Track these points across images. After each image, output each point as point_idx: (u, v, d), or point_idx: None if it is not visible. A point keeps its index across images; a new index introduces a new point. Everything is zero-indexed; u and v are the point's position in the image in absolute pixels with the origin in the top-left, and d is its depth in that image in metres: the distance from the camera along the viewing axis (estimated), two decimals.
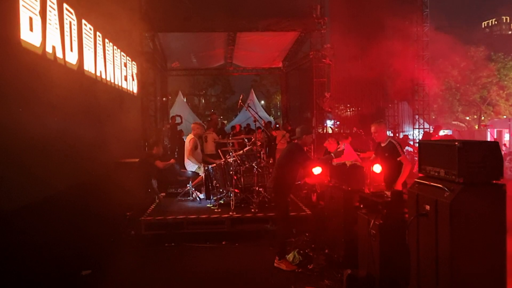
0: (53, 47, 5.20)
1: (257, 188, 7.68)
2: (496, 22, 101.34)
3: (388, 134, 6.66)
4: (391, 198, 4.57)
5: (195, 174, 8.58)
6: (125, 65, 9.72)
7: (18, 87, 4.37)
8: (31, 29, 4.57)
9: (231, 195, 7.57)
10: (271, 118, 29.49)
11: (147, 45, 12.60)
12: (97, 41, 7.25)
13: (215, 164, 8.13)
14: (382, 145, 6.30)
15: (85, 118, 6.32)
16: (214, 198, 7.91)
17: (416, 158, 5.79)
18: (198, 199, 8.44)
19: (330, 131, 15.14)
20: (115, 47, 8.56)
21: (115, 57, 8.57)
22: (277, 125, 15.64)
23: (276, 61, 18.30)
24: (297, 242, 6.39)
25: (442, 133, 13.26)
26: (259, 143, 8.40)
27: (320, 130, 13.98)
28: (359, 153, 7.88)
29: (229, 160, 7.93)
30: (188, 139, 8.67)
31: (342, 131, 15.06)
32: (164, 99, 17.38)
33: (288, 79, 18.85)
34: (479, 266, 3.40)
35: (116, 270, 5.63)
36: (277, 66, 18.97)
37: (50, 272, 4.63)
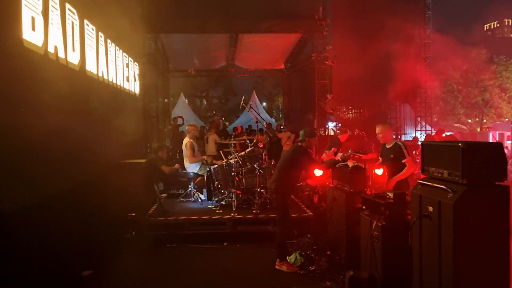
0: (55, 47, 5.19)
1: (258, 189, 7.66)
2: (498, 25, 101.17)
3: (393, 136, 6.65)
4: (393, 200, 4.55)
5: (197, 175, 8.56)
6: (127, 66, 9.72)
7: (19, 87, 4.36)
8: (33, 29, 4.57)
9: (233, 196, 7.55)
10: (273, 120, 29.46)
11: (149, 46, 12.58)
12: (99, 42, 7.25)
13: (216, 165, 8.11)
14: (387, 146, 6.30)
15: (86, 119, 6.31)
16: (216, 199, 7.90)
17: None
18: (199, 200, 8.43)
19: (332, 133, 15.11)
20: (117, 48, 8.56)
21: (117, 58, 8.57)
22: (282, 127, 15.61)
23: (278, 62, 18.28)
24: (298, 243, 6.35)
25: (444, 135, 13.21)
26: (261, 145, 8.38)
27: (322, 133, 13.96)
28: (361, 155, 7.85)
29: (230, 161, 7.92)
30: (185, 143, 8.59)
31: (340, 124, 15.01)
32: (165, 100, 17.37)
33: (290, 81, 18.82)
34: (482, 268, 3.39)
35: (117, 270, 5.62)
36: (279, 67, 18.95)
37: (50, 273, 4.61)
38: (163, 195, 8.87)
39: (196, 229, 7.00)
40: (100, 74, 7.26)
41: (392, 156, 6.09)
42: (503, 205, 3.42)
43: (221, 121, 23.32)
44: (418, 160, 8.29)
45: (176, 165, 8.37)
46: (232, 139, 8.85)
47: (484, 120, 32.21)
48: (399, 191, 4.80)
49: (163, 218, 7.05)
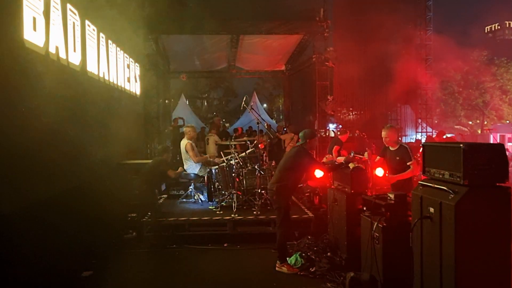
0: (57, 48, 5.20)
1: (259, 191, 7.66)
2: (499, 27, 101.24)
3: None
4: (394, 201, 4.54)
5: (197, 176, 8.55)
6: (128, 67, 9.72)
7: (20, 87, 4.36)
8: (35, 29, 4.57)
9: (233, 197, 7.55)
10: (273, 121, 29.43)
11: (150, 47, 12.59)
12: (100, 42, 7.25)
13: (217, 166, 8.11)
14: (392, 149, 6.33)
15: (87, 119, 6.32)
16: (216, 200, 7.89)
17: None
18: (200, 201, 8.42)
19: (332, 134, 15.10)
20: (118, 49, 8.57)
21: (118, 59, 8.57)
22: (285, 129, 15.61)
23: (279, 64, 18.26)
24: (299, 245, 6.34)
25: (445, 137, 13.21)
26: (261, 146, 8.38)
27: (322, 134, 13.95)
28: (361, 156, 7.85)
29: (231, 162, 7.91)
30: (183, 145, 8.50)
31: (341, 126, 15.00)
32: (166, 101, 17.37)
33: (291, 82, 18.80)
34: (483, 269, 3.37)
35: (118, 271, 5.62)
36: (280, 69, 18.93)
37: (51, 273, 4.60)
38: (164, 196, 8.84)
39: (196, 230, 7.00)
40: (101, 75, 7.27)
41: (398, 158, 6.17)
42: (505, 207, 3.41)
43: (221, 122, 23.30)
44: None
45: (180, 169, 8.31)
46: (232, 140, 8.83)
47: (485, 122, 32.20)
48: (400, 192, 4.79)
49: (163, 219, 7.03)
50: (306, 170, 5.99)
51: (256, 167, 7.80)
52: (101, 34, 7.27)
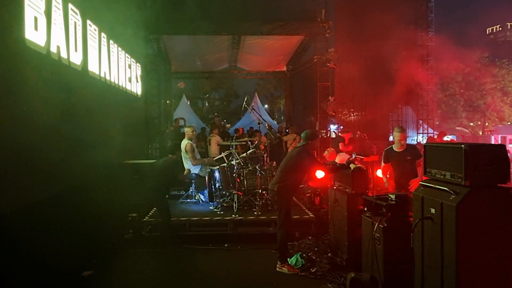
0: (58, 47, 5.20)
1: (260, 191, 7.66)
2: (500, 29, 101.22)
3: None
4: (395, 201, 4.54)
5: (198, 176, 8.54)
6: (129, 67, 9.73)
7: (22, 86, 4.36)
8: (36, 29, 4.58)
9: (234, 197, 7.54)
10: (274, 122, 29.43)
11: (151, 48, 12.61)
12: (102, 42, 7.26)
13: (218, 166, 8.11)
14: (399, 150, 6.34)
15: (88, 119, 6.32)
16: (217, 200, 7.89)
17: None
18: (200, 201, 8.42)
19: (333, 135, 15.09)
20: (119, 49, 8.58)
21: (119, 59, 8.58)
22: (287, 130, 15.62)
23: (280, 64, 18.28)
24: (300, 245, 6.35)
25: (446, 138, 13.18)
26: (262, 147, 8.38)
27: (323, 135, 13.95)
28: (362, 157, 7.85)
29: (232, 162, 7.91)
30: (184, 145, 8.45)
31: (342, 127, 14.98)
32: (167, 101, 17.38)
33: (292, 83, 18.82)
34: (485, 270, 3.37)
35: (118, 271, 5.62)
36: (281, 69, 18.96)
37: (51, 272, 4.60)
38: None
39: (197, 230, 7.00)
40: (102, 75, 7.28)
41: (409, 158, 6.21)
42: (506, 207, 3.40)
43: (222, 123, 23.30)
44: None
45: (187, 170, 8.27)
46: (233, 140, 8.83)
47: (486, 124, 32.16)
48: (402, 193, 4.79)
49: (174, 219, 7.01)
50: (308, 170, 5.98)
51: (257, 167, 7.80)
52: (103, 34, 7.28)
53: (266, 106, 41.33)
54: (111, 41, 7.84)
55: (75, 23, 5.83)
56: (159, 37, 13.02)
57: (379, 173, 7.68)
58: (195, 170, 8.54)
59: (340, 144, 9.19)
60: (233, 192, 7.64)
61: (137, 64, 10.71)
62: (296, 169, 5.74)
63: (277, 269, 5.58)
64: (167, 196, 7.38)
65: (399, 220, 4.46)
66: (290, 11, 12.63)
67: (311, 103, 14.99)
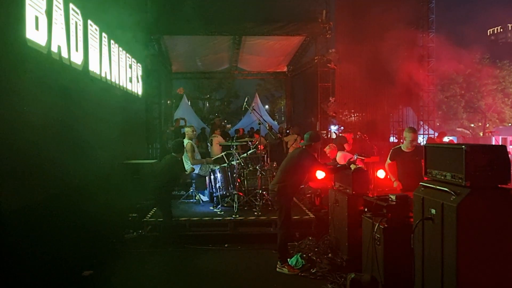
0: (59, 47, 5.21)
1: (260, 191, 7.66)
2: (501, 30, 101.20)
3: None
4: (396, 202, 4.54)
5: (199, 176, 8.55)
6: (130, 67, 9.74)
7: (22, 86, 4.37)
8: (37, 28, 4.58)
9: (235, 197, 7.54)
10: (275, 123, 29.42)
11: (152, 48, 12.62)
12: (103, 42, 7.27)
13: (218, 166, 8.11)
14: (408, 150, 6.33)
15: (88, 118, 6.32)
16: (217, 200, 7.88)
17: None
18: (201, 201, 8.42)
19: (334, 136, 15.08)
20: (120, 49, 8.59)
21: (120, 59, 8.59)
22: (287, 131, 15.62)
23: (281, 65, 18.29)
24: (300, 246, 6.34)
25: (446, 139, 13.17)
26: (261, 147, 8.37)
27: (324, 135, 13.94)
28: (363, 158, 7.84)
29: (232, 162, 7.91)
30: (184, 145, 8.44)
31: (343, 128, 14.98)
32: (168, 102, 17.38)
33: (293, 84, 18.83)
34: (485, 271, 3.36)
35: (118, 271, 5.62)
36: (282, 70, 18.97)
37: (51, 272, 4.60)
38: None
39: (197, 230, 6.99)
40: (103, 75, 7.28)
41: (417, 158, 6.14)
42: (507, 208, 3.40)
43: (223, 123, 23.26)
44: None
45: (191, 168, 8.24)
46: (233, 141, 8.83)
47: (487, 125, 32.13)
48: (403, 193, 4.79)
49: (177, 219, 7.01)
50: (308, 171, 5.97)
51: (257, 168, 7.80)
52: (104, 34, 7.29)
53: (266, 106, 41.32)
54: (112, 41, 7.84)
55: (76, 23, 5.84)
56: (160, 38, 13.03)
57: (379, 173, 7.68)
58: (195, 169, 8.55)
59: (345, 145, 9.19)
60: (234, 193, 7.64)
61: (138, 64, 10.72)
62: (296, 169, 5.74)
63: (277, 269, 5.57)
64: (170, 195, 7.24)
65: (399, 221, 4.46)
66: (291, 12, 12.63)
67: (311, 104, 14.99)
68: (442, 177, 3.70)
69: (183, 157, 8.26)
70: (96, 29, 6.82)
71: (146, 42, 11.59)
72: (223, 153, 8.84)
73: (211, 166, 8.44)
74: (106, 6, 7.14)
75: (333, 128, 16.44)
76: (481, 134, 31.48)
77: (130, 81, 9.69)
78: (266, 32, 12.72)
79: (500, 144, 18.97)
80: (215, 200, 7.99)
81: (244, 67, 18.79)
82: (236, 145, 8.55)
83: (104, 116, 7.10)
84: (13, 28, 4.16)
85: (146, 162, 8.82)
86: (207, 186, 8.44)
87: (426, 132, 16.12)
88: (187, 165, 8.41)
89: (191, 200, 8.52)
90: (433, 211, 3.60)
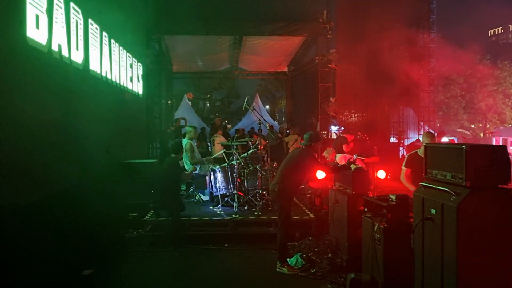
0: (59, 46, 5.21)
1: (260, 191, 7.65)
2: (502, 31, 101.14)
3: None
4: (396, 202, 4.53)
5: (199, 175, 8.54)
6: (131, 66, 9.74)
7: (23, 85, 4.37)
8: (38, 27, 4.58)
9: (235, 197, 7.54)
10: (276, 123, 29.43)
11: (153, 47, 12.62)
12: (103, 41, 7.27)
13: (218, 166, 8.11)
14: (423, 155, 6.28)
15: (89, 118, 6.32)
16: (218, 200, 7.88)
17: None
18: (201, 201, 8.42)
19: (334, 136, 15.09)
20: (121, 48, 8.58)
21: (120, 58, 8.59)
22: (288, 131, 15.62)
23: (282, 65, 18.31)
24: (300, 245, 6.33)
25: (446, 139, 13.15)
26: (261, 147, 8.37)
27: (324, 136, 13.94)
28: (363, 158, 7.84)
29: (232, 162, 7.91)
30: (184, 144, 8.43)
31: (343, 128, 14.98)
32: (169, 101, 17.38)
33: (293, 84, 18.84)
34: (485, 271, 3.36)
35: (118, 270, 5.62)
36: (283, 70, 18.99)
37: (51, 271, 4.60)
38: None
39: (197, 230, 6.98)
40: (103, 74, 7.28)
41: None
42: (507, 208, 3.39)
43: (223, 123, 23.21)
44: None
45: (193, 168, 8.22)
46: (234, 141, 8.82)
47: (488, 126, 32.10)
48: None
49: (164, 219, 7.02)
50: (309, 171, 5.97)
51: (257, 167, 7.80)
52: (104, 33, 7.29)
53: (267, 106, 41.35)
54: (112, 40, 7.84)
55: (76, 22, 5.84)
56: (161, 37, 13.03)
57: (380, 174, 7.68)
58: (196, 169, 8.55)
59: (344, 146, 9.19)
60: (234, 192, 7.63)
61: (139, 63, 10.72)
62: (297, 169, 5.74)
63: (277, 269, 5.57)
64: (177, 196, 7.22)
65: (399, 221, 4.45)
66: (292, 12, 12.63)
67: (312, 104, 15.00)
68: (443, 177, 3.70)
69: (183, 157, 8.28)
70: (96, 28, 6.82)
71: (146, 41, 11.61)
72: (221, 151, 8.83)
73: (211, 165, 8.44)
74: (107, 5, 7.15)
75: (334, 128, 16.43)
76: (482, 135, 31.45)
77: (131, 80, 9.69)
78: (266, 32, 12.72)
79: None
80: (215, 200, 7.99)
81: (245, 67, 18.79)
82: (236, 145, 8.55)
83: (104, 115, 7.10)
84: (14, 26, 4.16)
85: (146, 162, 8.82)
86: (207, 185, 8.43)
87: None
88: (187, 165, 8.40)
89: (191, 200, 8.50)
90: (433, 211, 3.60)
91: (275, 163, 8.65)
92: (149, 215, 7.29)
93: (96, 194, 6.11)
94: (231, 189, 7.82)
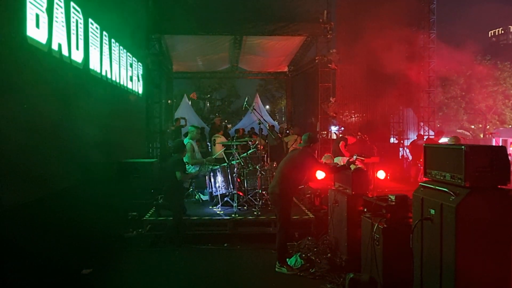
0: (59, 45, 5.21)
1: (260, 191, 7.65)
2: (502, 32, 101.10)
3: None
4: (395, 202, 4.53)
5: (199, 175, 8.54)
6: (131, 66, 9.74)
7: (23, 84, 4.37)
8: (38, 26, 4.58)
9: (234, 197, 7.54)
10: (276, 123, 29.43)
11: (153, 47, 12.63)
12: (104, 41, 7.27)
13: (218, 166, 8.11)
14: None
15: (89, 117, 6.33)
16: (217, 200, 7.88)
17: None
18: (200, 200, 8.42)
19: (334, 136, 15.09)
20: (121, 47, 8.59)
21: (121, 58, 8.59)
22: (287, 131, 15.63)
23: (282, 65, 18.31)
24: (299, 245, 6.32)
25: (444, 139, 13.15)
26: (261, 147, 8.37)
27: (324, 136, 13.95)
28: (363, 159, 7.84)
29: (232, 162, 7.91)
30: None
31: (343, 128, 14.99)
32: (169, 101, 17.39)
33: (293, 84, 18.85)
34: (484, 272, 3.35)
35: (117, 269, 5.62)
36: (283, 70, 19.00)
37: (51, 270, 4.60)
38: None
39: (196, 229, 6.99)
40: (103, 73, 7.28)
41: None
42: (506, 209, 3.39)
43: (223, 123, 23.18)
44: None
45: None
46: (234, 141, 8.83)
47: (487, 127, 32.10)
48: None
49: (163, 218, 7.03)
50: (309, 171, 5.98)
51: (257, 167, 7.80)
52: (104, 33, 7.29)
53: (267, 106, 41.32)
54: (112, 40, 7.85)
55: (76, 21, 5.84)
56: (161, 37, 13.03)
57: (379, 174, 7.68)
58: (194, 169, 8.54)
59: (341, 142, 9.18)
60: (233, 192, 7.64)
61: (139, 63, 10.72)
62: (297, 169, 5.74)
63: (276, 269, 5.57)
64: (181, 195, 7.19)
65: (398, 221, 4.45)
66: (292, 12, 12.64)
67: (312, 104, 15.01)
68: (442, 178, 3.70)
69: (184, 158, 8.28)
70: (96, 28, 6.82)
71: (147, 41, 11.61)
72: (221, 151, 8.83)
73: (211, 165, 8.44)
74: (107, 5, 7.15)
75: (334, 128, 16.43)
76: (482, 136, 31.45)
77: (131, 80, 9.69)
78: (267, 32, 12.73)
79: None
80: (214, 200, 7.99)
81: (245, 67, 18.80)
82: (236, 145, 8.56)
83: (104, 114, 7.10)
84: (14, 25, 4.16)
85: (146, 161, 8.82)
86: (207, 185, 8.44)
87: (427, 134, 16.11)
88: (188, 166, 8.41)
89: (191, 199, 8.51)
90: (432, 211, 3.60)
91: (275, 163, 8.65)
92: (149, 214, 7.29)
93: (96, 193, 6.11)
94: (230, 189, 7.82)
